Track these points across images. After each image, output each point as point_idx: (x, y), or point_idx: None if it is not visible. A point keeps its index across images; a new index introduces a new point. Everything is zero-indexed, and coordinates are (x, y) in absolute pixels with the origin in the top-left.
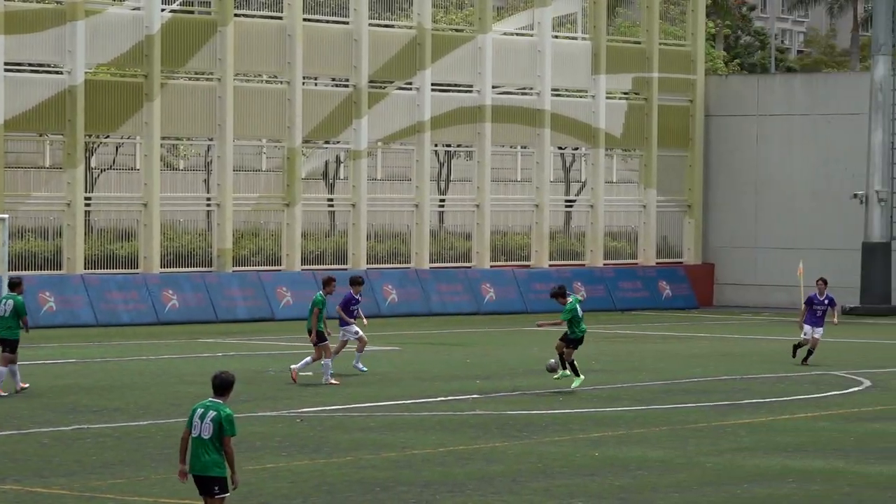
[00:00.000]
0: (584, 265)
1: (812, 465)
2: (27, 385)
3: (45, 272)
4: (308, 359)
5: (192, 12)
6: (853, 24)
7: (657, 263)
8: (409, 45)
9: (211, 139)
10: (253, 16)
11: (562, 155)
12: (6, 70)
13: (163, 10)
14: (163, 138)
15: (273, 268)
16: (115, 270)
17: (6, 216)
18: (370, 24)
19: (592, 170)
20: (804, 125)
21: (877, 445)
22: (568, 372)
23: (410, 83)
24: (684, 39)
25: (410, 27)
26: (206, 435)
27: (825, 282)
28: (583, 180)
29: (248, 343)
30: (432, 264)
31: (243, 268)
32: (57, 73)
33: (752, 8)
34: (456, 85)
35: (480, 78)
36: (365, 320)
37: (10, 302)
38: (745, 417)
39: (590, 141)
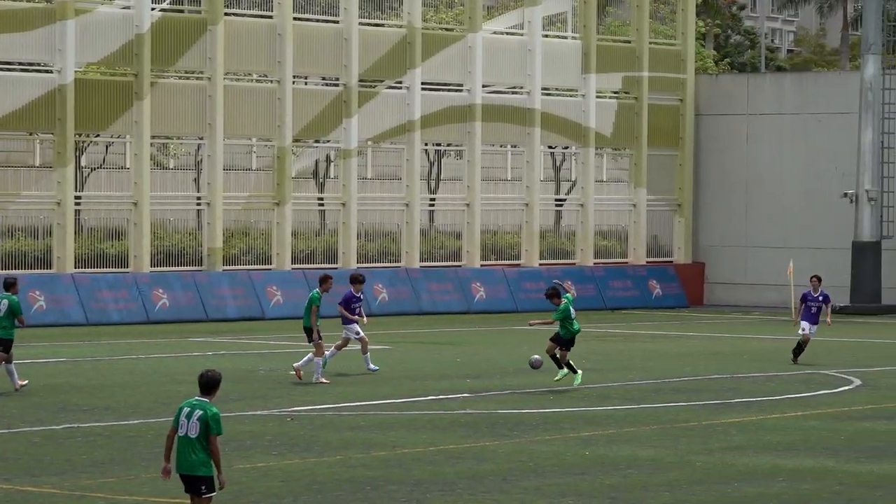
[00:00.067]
0: (574, 264)
1: (802, 463)
2: (26, 382)
3: (35, 271)
4: (310, 355)
5: (181, 11)
6: (843, 24)
7: (647, 262)
8: (399, 44)
9: (201, 138)
10: (243, 15)
11: (552, 154)
12: None
13: (153, 8)
14: (153, 137)
15: (263, 267)
16: (105, 269)
17: None
18: (360, 24)
19: (582, 169)
20: (794, 124)
21: (867, 444)
22: (566, 370)
23: (400, 82)
24: (674, 39)
25: (400, 26)
26: (193, 434)
27: (819, 279)
28: (573, 179)
29: (238, 342)
30: (422, 263)
31: (233, 267)
32: (47, 71)
33: (742, 7)
34: (446, 84)
35: (470, 77)
36: (365, 319)
37: (6, 302)
38: (736, 416)
39: (580, 140)
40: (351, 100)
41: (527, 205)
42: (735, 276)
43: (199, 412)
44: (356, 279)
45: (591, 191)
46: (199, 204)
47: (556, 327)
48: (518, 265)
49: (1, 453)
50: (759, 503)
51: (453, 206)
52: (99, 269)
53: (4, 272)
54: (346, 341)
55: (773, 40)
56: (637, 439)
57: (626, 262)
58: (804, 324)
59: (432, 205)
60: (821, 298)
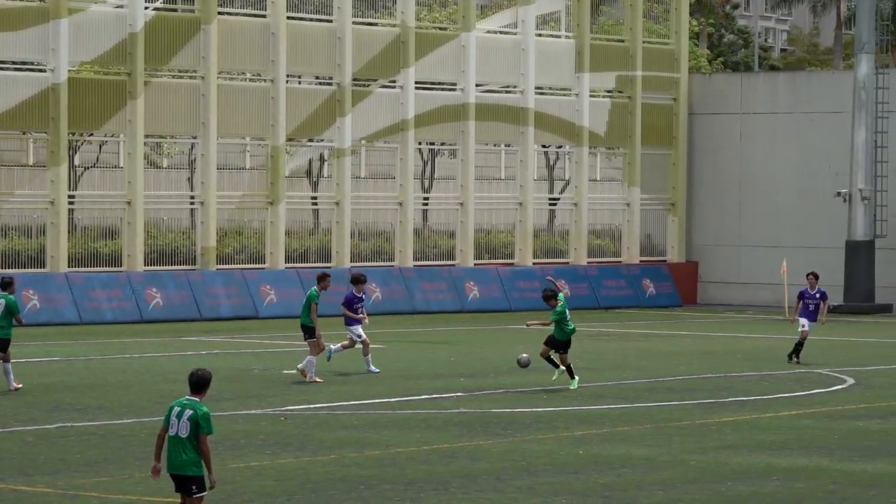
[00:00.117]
0: (567, 263)
1: (796, 462)
2: (20, 385)
3: (29, 270)
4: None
5: (175, 10)
6: (836, 23)
7: (641, 261)
8: (393, 43)
9: (195, 137)
10: (237, 14)
11: (545, 153)
12: None
13: (146, 7)
14: (146, 136)
15: (257, 266)
16: (98, 269)
17: None
18: (354, 23)
19: (576, 168)
20: (788, 123)
21: (860, 443)
22: (562, 369)
23: (394, 81)
24: (668, 38)
25: (394, 25)
26: (184, 433)
27: (816, 276)
28: (567, 178)
29: (231, 341)
30: (416, 262)
31: (227, 266)
32: (40, 70)
33: (736, 6)
34: (440, 83)
35: (464, 76)
36: (367, 319)
37: (3, 301)
38: (729, 415)
39: (573, 139)
40: (344, 99)
41: (520, 204)
42: (728, 276)
43: (189, 412)
44: (358, 279)
45: (584, 190)
46: (192, 203)
47: (552, 328)
48: (512, 264)
49: None
50: (752, 502)
51: (447, 205)
52: (92, 269)
53: (6, 272)
54: (353, 342)
55: (766, 39)
56: (631, 438)
57: (620, 262)
58: (803, 321)
59: (426, 204)
60: (818, 296)
